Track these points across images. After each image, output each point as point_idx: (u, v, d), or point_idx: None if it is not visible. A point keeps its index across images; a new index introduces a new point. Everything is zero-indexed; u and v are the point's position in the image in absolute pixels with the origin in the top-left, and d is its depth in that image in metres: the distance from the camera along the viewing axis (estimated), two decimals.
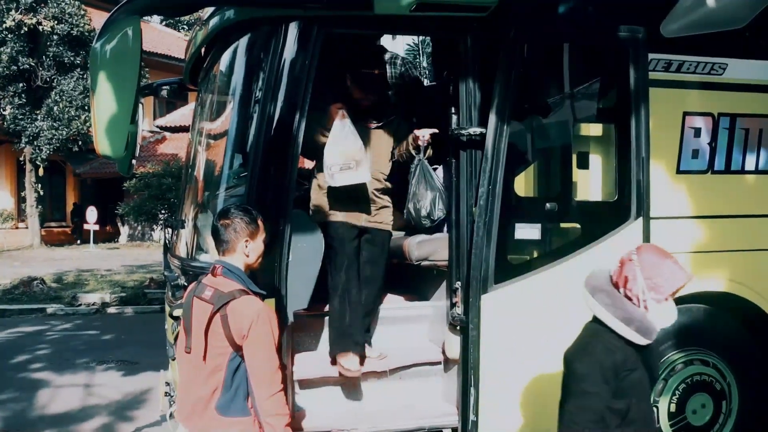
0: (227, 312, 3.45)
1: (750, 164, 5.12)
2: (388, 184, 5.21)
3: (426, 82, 7.60)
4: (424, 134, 4.97)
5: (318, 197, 5.17)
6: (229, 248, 3.64)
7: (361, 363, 4.89)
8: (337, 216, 5.09)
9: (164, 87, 6.66)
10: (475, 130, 4.56)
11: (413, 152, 5.04)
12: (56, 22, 24.73)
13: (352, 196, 5.02)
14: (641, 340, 3.29)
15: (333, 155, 4.75)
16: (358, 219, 5.13)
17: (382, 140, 5.22)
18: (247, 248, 3.66)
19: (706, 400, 5.11)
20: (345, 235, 5.09)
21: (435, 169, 5.20)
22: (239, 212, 3.67)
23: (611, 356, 3.29)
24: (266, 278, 4.27)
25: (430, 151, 5.07)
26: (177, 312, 4.20)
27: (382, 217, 5.22)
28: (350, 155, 4.74)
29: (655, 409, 5.00)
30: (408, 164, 5.16)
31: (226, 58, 4.99)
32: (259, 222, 3.72)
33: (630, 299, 3.32)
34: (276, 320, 3.61)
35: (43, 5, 24.83)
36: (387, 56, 6.35)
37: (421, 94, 6.67)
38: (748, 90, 5.09)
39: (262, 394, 3.45)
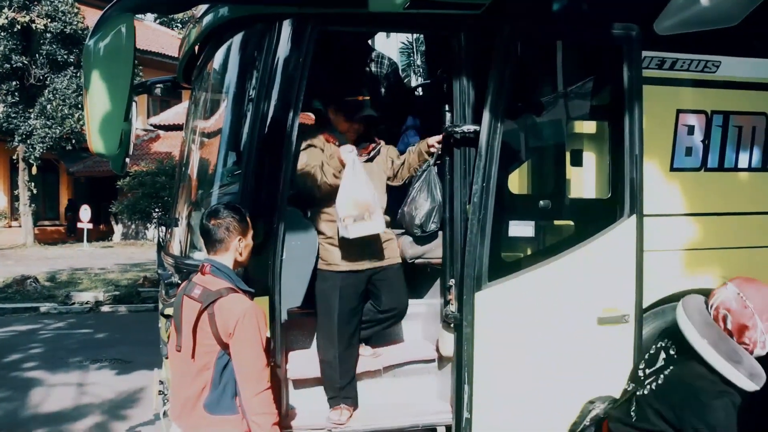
0: (214, 310, 3.48)
1: (743, 161, 5.13)
2: (387, 217, 4.97)
3: (420, 80, 7.57)
4: (436, 144, 4.86)
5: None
6: (222, 247, 3.66)
7: (351, 415, 4.84)
8: (340, 265, 4.79)
9: (158, 85, 6.64)
10: (469, 127, 4.56)
11: (428, 157, 4.94)
12: (49, 20, 24.66)
13: (356, 239, 4.67)
14: (751, 387, 3.27)
15: (346, 206, 4.52)
16: (364, 263, 4.85)
17: (377, 171, 4.97)
18: (240, 246, 3.69)
19: None
20: (350, 283, 4.81)
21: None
22: (229, 211, 3.69)
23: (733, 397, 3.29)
24: (260, 276, 4.27)
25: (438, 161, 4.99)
26: (168, 311, 4.21)
27: (389, 251, 4.97)
28: (364, 205, 4.52)
29: None
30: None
31: (219, 56, 4.98)
32: (248, 219, 3.74)
33: (745, 344, 3.29)
34: (264, 319, 3.62)
35: (36, 3, 24.76)
36: (373, 54, 6.28)
37: (403, 99, 6.64)
38: (741, 87, 5.09)
39: (248, 392, 3.47)
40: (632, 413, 3.64)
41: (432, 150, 4.90)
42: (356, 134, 4.91)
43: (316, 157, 4.76)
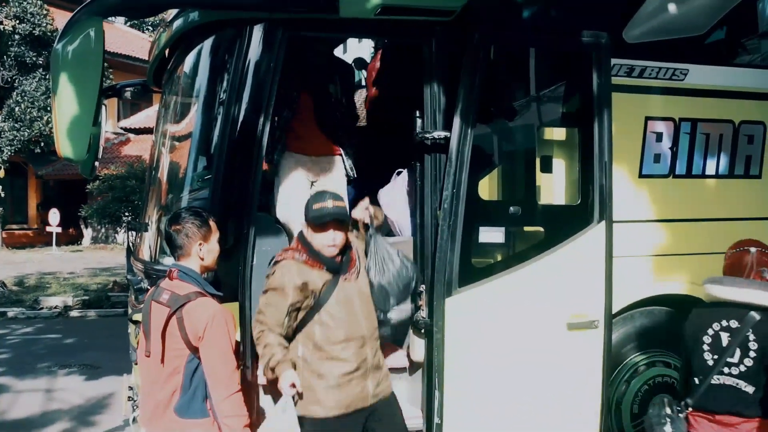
0: (183, 314, 3.50)
1: (710, 168, 5.19)
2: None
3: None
4: (364, 214, 4.48)
5: (302, 373, 4.02)
6: (183, 253, 3.68)
7: None
8: (332, 408, 4.02)
9: (128, 88, 6.61)
10: (440, 133, 4.56)
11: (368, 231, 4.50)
12: (18, 21, 24.41)
13: (352, 370, 4.07)
14: None
15: None
16: (365, 399, 4.13)
17: (363, 287, 4.25)
18: (201, 251, 3.70)
19: None
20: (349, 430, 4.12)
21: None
22: (190, 216, 3.71)
23: None
24: (230, 281, 4.26)
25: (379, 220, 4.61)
26: (137, 316, 4.19)
27: (387, 379, 4.33)
28: None
29: (617, 411, 5.07)
30: None
31: (190, 60, 4.96)
32: (211, 223, 3.77)
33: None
34: (233, 321, 3.65)
35: (4, 4, 24.44)
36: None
37: None
38: (708, 95, 5.15)
39: (219, 395, 3.48)
40: (746, 389, 3.84)
41: (366, 222, 4.49)
42: (338, 248, 4.11)
43: (279, 308, 4.02)
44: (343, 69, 5.90)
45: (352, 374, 4.07)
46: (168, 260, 4.55)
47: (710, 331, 3.95)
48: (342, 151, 5.47)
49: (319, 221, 4.02)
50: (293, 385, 3.86)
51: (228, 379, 3.50)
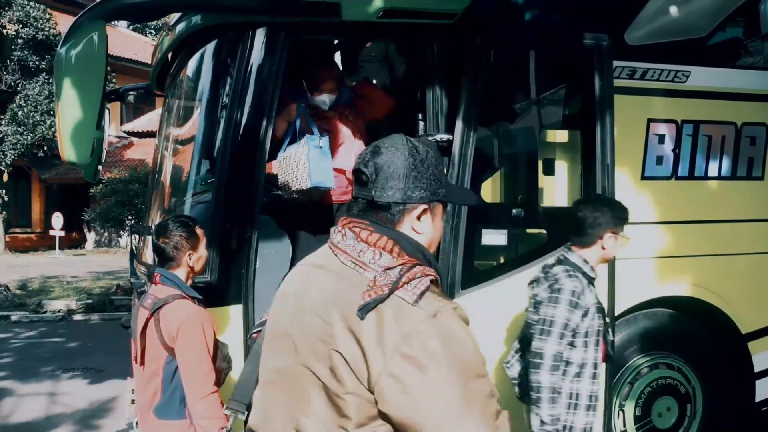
0: (160, 316, 3.55)
1: (713, 170, 5.19)
2: None
3: None
4: None
5: None
6: (174, 264, 3.71)
7: None
8: None
9: (131, 92, 6.61)
10: (442, 136, 4.57)
11: None
12: (21, 25, 24.45)
13: None
14: None
15: None
16: None
17: None
18: (191, 260, 3.73)
19: (671, 403, 5.16)
20: None
21: None
22: (177, 227, 3.73)
23: None
24: (233, 285, 4.27)
25: None
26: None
27: None
28: None
29: (621, 413, 5.06)
30: None
31: (193, 63, 4.97)
32: (198, 231, 3.77)
33: None
34: (212, 324, 3.64)
35: (7, 9, 24.52)
36: None
37: None
38: (710, 97, 5.15)
39: (193, 395, 3.50)
40: None
41: None
42: None
43: None
44: None
45: None
46: None
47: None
48: None
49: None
50: None
51: (201, 379, 3.51)
